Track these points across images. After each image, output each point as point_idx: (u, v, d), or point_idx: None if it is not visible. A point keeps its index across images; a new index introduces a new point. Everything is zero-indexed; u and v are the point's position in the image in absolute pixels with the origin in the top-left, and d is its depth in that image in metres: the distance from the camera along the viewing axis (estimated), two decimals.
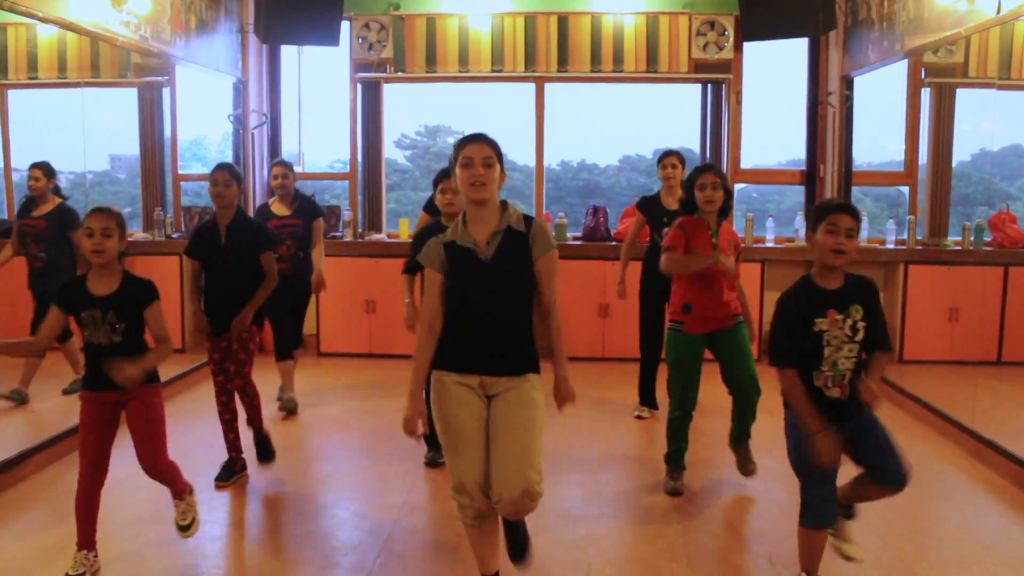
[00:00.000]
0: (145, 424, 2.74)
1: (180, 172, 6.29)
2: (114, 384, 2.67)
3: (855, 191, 6.31)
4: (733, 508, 3.47)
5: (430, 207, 4.03)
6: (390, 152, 7.07)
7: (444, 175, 3.70)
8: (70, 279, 2.73)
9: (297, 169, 5.20)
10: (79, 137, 4.71)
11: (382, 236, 6.53)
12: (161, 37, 5.09)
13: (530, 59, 6.39)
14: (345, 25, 6.27)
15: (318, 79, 6.94)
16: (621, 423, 4.67)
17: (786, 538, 2.93)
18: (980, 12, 4.20)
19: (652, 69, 6.34)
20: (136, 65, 5.53)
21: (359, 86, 6.52)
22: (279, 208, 4.83)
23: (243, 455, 3.77)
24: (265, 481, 3.74)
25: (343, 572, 2.87)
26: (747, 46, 6.23)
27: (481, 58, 6.39)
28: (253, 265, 3.64)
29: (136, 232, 5.95)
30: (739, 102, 6.40)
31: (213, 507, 3.41)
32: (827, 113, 6.26)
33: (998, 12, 4.01)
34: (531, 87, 6.51)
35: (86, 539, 2.77)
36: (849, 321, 2.45)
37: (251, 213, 5.14)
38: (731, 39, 6.24)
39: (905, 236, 6.06)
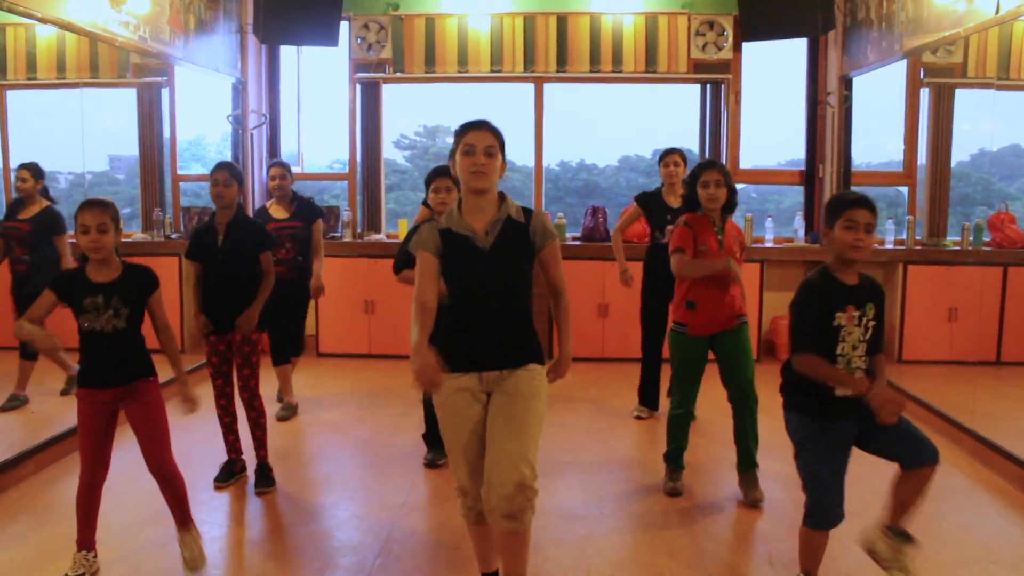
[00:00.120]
0: (146, 421, 2.73)
1: (179, 172, 6.28)
2: (111, 380, 2.67)
3: (854, 191, 6.30)
4: (732, 508, 3.47)
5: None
6: (389, 152, 7.06)
7: (437, 173, 3.61)
8: (68, 270, 2.69)
9: (296, 169, 5.19)
10: (78, 138, 4.70)
11: (381, 236, 6.53)
12: (160, 37, 5.08)
13: (529, 59, 6.39)
14: (344, 25, 6.28)
15: (317, 79, 6.95)
16: (620, 423, 4.66)
17: (786, 538, 2.93)
18: (979, 12, 4.20)
19: (651, 69, 6.34)
20: (135, 65, 5.53)
21: (358, 86, 6.52)
22: (277, 211, 4.77)
23: (243, 456, 3.76)
24: None
25: (342, 573, 2.86)
26: (746, 46, 6.23)
27: (480, 58, 6.39)
28: (252, 265, 3.61)
29: (135, 232, 5.94)
30: (738, 102, 6.40)
31: (212, 508, 3.41)
32: (826, 113, 6.26)
33: (997, 12, 4.01)
34: (530, 87, 6.51)
35: (85, 539, 2.77)
36: (864, 319, 2.44)
37: (250, 214, 5.12)
38: (730, 39, 6.24)
39: (904, 236, 6.06)
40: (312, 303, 5.29)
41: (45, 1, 3.94)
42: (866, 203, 2.41)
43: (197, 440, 4.13)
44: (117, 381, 2.70)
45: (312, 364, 6.03)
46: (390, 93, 6.65)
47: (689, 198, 3.54)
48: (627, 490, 3.67)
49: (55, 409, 4.45)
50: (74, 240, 2.70)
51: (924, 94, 5.95)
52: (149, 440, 2.73)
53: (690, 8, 6.28)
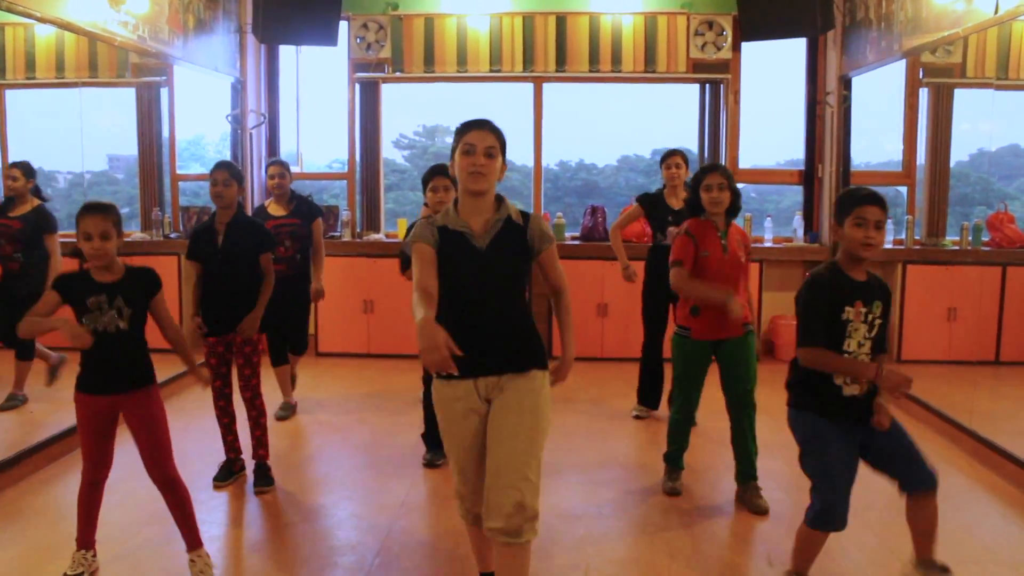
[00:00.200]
0: (147, 430, 2.70)
1: (178, 172, 6.28)
2: (110, 386, 2.65)
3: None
4: (732, 508, 3.46)
5: None
6: (388, 152, 7.07)
7: (434, 173, 3.59)
8: (70, 271, 2.67)
9: (295, 169, 5.18)
10: (77, 137, 4.70)
11: (380, 236, 6.53)
12: (159, 37, 5.08)
13: (528, 59, 6.39)
14: (343, 25, 6.27)
15: (316, 79, 6.94)
16: (620, 423, 4.66)
17: (785, 538, 2.93)
18: (978, 12, 4.20)
19: (650, 69, 6.34)
20: (134, 65, 5.53)
21: (357, 86, 6.52)
22: (276, 209, 4.75)
23: (242, 455, 3.76)
24: None
25: (341, 572, 2.86)
26: (745, 46, 6.23)
27: (479, 58, 6.39)
28: (252, 266, 3.59)
29: (134, 232, 5.94)
30: (737, 102, 6.41)
31: (211, 507, 3.41)
32: (825, 113, 6.26)
33: (996, 12, 4.01)
34: (529, 87, 6.51)
35: (85, 538, 2.76)
36: (870, 316, 2.42)
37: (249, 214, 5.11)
38: (729, 39, 6.25)
39: (903, 236, 6.06)
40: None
41: (44, 0, 3.94)
42: (876, 199, 2.38)
43: (196, 440, 4.13)
44: (117, 387, 2.66)
45: (311, 364, 6.02)
46: (389, 93, 6.65)
47: (692, 202, 3.47)
48: (627, 490, 3.67)
49: (54, 408, 4.44)
50: (68, 240, 2.68)
51: (923, 94, 5.95)
52: (150, 448, 2.70)
53: (689, 8, 6.28)
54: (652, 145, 7.44)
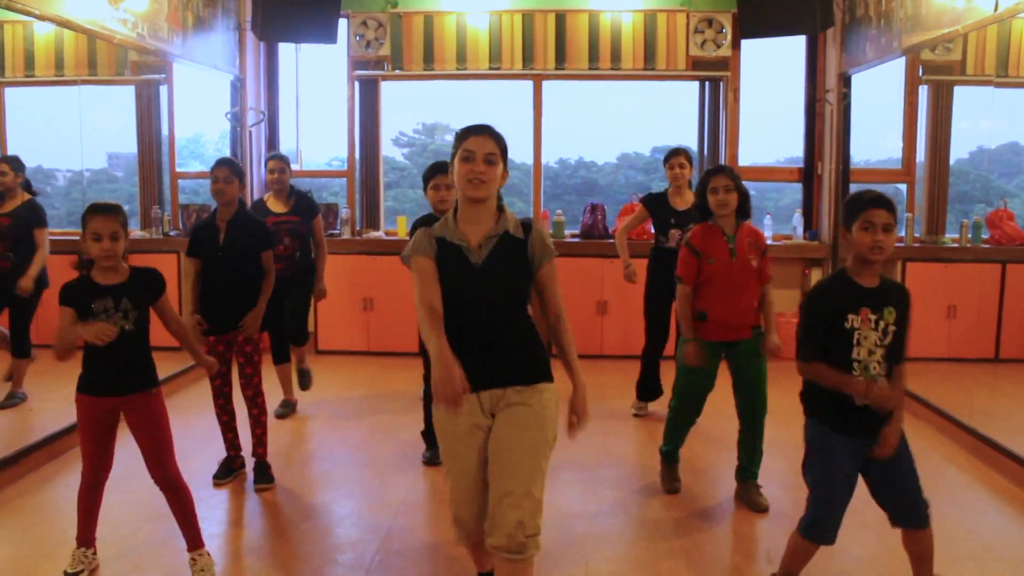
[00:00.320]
0: (149, 433, 2.69)
1: (178, 170, 6.28)
2: (113, 388, 2.64)
3: (852, 189, 6.31)
4: (731, 506, 3.47)
5: None
6: (388, 150, 7.06)
7: (435, 170, 3.54)
8: (71, 280, 2.65)
9: (295, 167, 5.17)
10: (76, 135, 4.70)
11: (380, 234, 6.52)
12: (158, 35, 5.07)
13: (528, 57, 6.38)
14: (343, 23, 6.27)
15: (316, 77, 6.94)
16: (619, 421, 4.67)
17: (785, 537, 2.93)
18: (978, 9, 4.19)
19: (650, 66, 6.34)
20: (133, 63, 5.52)
21: (357, 84, 6.51)
22: (275, 204, 4.72)
23: (241, 453, 3.76)
24: None
25: (341, 569, 2.87)
26: (745, 43, 6.23)
27: (479, 56, 6.39)
28: (253, 264, 3.59)
29: (134, 230, 5.94)
30: (737, 100, 6.40)
31: (211, 505, 3.41)
32: (825, 111, 6.26)
33: (995, 9, 4.01)
34: (529, 85, 6.50)
35: (86, 535, 2.77)
36: (882, 323, 2.34)
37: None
38: (729, 36, 6.24)
39: (903, 233, 6.06)
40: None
41: None
42: (883, 203, 2.31)
43: (196, 438, 4.13)
44: (119, 390, 2.65)
45: (311, 361, 5.99)
46: (389, 90, 6.65)
47: (700, 206, 3.40)
48: (626, 489, 3.67)
49: (54, 406, 4.45)
50: (60, 237, 2.67)
51: (923, 91, 5.95)
52: (153, 450, 2.70)
53: (689, 5, 6.28)
54: (652, 143, 7.44)
